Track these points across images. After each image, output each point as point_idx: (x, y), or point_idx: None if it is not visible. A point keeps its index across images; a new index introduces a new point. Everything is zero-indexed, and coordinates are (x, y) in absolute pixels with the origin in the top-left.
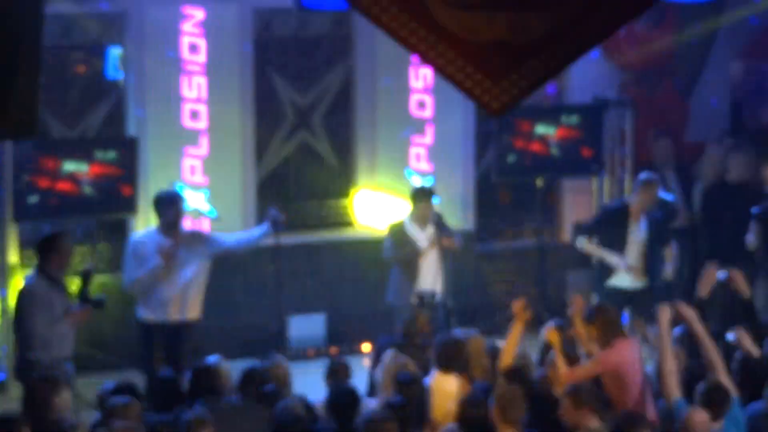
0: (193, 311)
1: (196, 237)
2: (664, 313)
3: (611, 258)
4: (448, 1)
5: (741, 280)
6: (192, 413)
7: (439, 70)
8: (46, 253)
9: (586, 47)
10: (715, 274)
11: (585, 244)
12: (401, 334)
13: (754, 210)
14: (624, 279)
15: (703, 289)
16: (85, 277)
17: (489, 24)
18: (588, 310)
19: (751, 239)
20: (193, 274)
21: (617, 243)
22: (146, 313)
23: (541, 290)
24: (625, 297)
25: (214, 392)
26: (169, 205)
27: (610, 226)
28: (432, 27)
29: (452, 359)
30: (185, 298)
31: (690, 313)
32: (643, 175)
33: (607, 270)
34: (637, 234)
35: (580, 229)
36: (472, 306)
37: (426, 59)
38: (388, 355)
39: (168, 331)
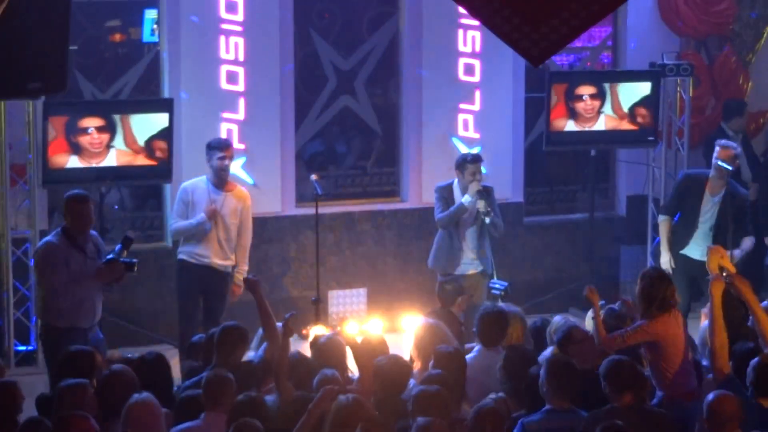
0: (233, 259)
1: (243, 196)
2: (717, 286)
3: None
4: None
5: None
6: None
7: (475, 12)
8: (65, 215)
9: None
10: None
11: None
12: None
13: None
14: (695, 249)
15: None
16: (124, 243)
17: None
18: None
19: None
20: (237, 228)
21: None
22: (188, 256)
23: (592, 266)
24: (693, 266)
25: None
26: (217, 150)
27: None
28: None
29: (496, 333)
30: (228, 248)
31: (745, 285)
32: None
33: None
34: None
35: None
36: (520, 281)
37: None
38: (419, 321)
39: (207, 275)
